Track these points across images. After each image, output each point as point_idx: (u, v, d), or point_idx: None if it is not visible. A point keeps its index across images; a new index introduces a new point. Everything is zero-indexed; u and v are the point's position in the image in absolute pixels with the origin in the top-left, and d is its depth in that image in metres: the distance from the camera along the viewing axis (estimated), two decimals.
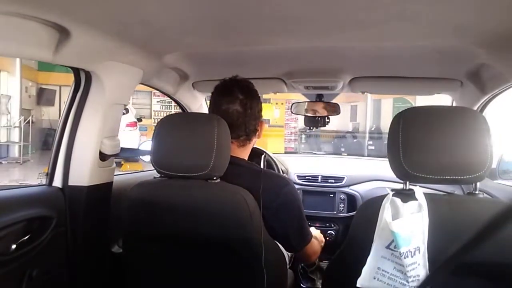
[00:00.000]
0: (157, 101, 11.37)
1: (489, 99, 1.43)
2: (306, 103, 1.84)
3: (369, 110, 11.84)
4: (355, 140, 10.97)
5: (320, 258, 1.76)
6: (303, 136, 11.18)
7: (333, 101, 1.91)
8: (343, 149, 10.38)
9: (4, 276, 0.92)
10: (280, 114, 11.02)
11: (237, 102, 1.01)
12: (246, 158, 1.12)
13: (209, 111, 1.08)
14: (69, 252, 1.12)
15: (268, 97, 9.81)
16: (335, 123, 12.38)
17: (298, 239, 1.04)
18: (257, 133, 1.09)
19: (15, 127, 8.55)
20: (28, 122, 8.56)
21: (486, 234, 0.27)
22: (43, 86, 9.97)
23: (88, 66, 1.06)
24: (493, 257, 0.71)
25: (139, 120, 8.98)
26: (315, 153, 3.25)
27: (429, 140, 0.77)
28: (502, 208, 0.31)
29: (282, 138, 10.98)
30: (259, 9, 0.81)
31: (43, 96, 9.90)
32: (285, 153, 7.32)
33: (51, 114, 9.83)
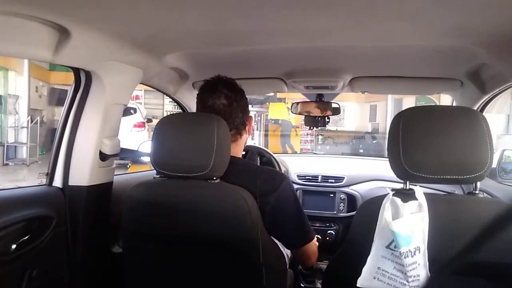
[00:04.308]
0: (169, 101, 10.98)
1: (489, 99, 1.43)
2: (306, 103, 1.84)
3: (389, 110, 11.21)
4: (374, 141, 10.57)
5: (320, 258, 1.76)
6: (320, 137, 10.77)
7: (336, 100, 1.91)
8: (361, 151, 10.08)
9: (4, 276, 0.92)
10: (295, 114, 10.69)
11: (222, 97, 1.04)
12: (240, 155, 1.13)
13: (196, 110, 1.10)
14: (69, 252, 1.12)
15: (283, 96, 9.34)
16: (353, 123, 12.03)
17: (299, 236, 1.05)
18: (246, 128, 1.11)
19: (22, 127, 8.42)
20: (37, 122, 8.43)
21: (489, 235, 0.27)
22: (55, 86, 9.82)
23: (88, 66, 1.06)
24: (494, 257, 0.71)
25: (149, 121, 8.67)
26: (316, 153, 3.25)
27: (429, 139, 0.77)
28: (504, 209, 0.31)
29: (297, 138, 10.44)
30: (259, 9, 0.81)
31: (55, 96, 9.75)
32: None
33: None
